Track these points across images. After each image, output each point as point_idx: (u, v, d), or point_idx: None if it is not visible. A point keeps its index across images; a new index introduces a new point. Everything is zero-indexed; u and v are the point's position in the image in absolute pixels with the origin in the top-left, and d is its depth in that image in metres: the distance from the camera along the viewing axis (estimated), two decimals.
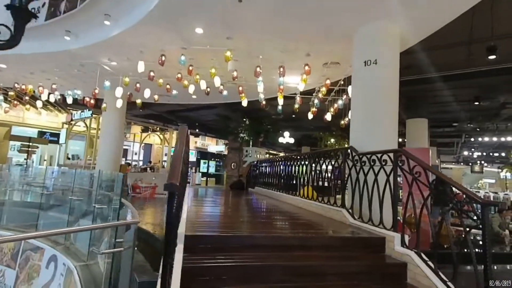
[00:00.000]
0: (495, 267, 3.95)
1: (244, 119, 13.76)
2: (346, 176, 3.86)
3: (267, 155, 14.88)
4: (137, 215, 2.82)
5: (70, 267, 3.50)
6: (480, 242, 2.16)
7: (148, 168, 13.01)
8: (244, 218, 3.89)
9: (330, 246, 2.83)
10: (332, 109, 7.59)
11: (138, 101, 8.17)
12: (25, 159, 12.40)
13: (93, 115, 11.63)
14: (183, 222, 2.78)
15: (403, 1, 3.97)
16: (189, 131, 3.47)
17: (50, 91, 7.79)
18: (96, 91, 6.73)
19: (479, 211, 2.18)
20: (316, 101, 7.31)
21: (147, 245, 3.60)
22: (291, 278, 2.36)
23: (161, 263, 1.44)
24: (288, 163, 6.07)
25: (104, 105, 7.53)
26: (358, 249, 2.87)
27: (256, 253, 2.55)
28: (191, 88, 7.31)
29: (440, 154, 21.54)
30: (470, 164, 23.99)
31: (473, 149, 20.48)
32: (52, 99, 8.40)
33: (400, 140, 13.57)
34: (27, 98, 9.07)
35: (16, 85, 8.02)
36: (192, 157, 22.21)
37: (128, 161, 16.51)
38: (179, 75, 6.50)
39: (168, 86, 7.22)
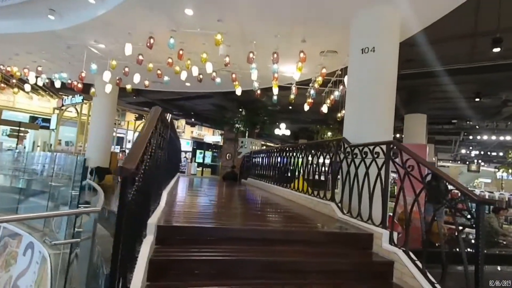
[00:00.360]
0: (498, 268, 3.81)
1: (240, 110, 13.51)
2: (337, 168, 3.69)
3: (263, 147, 14.70)
4: (102, 203, 2.62)
5: (45, 255, 3.34)
6: (477, 242, 1.99)
7: None
8: (229, 210, 3.72)
9: (314, 241, 2.66)
10: (328, 101, 7.37)
11: (128, 86, 7.90)
12: (16, 144, 12.16)
13: (84, 101, 11.33)
14: (159, 211, 2.61)
15: None
16: (170, 116, 3.26)
17: (36, 73, 7.50)
18: (83, 74, 6.46)
19: (473, 210, 2.02)
20: (312, 91, 7.08)
21: None
22: (269, 274, 2.19)
23: (111, 257, 1.26)
24: (280, 155, 5.88)
25: (92, 90, 7.27)
26: (344, 245, 2.71)
27: (234, 247, 2.38)
28: (183, 75, 7.05)
29: (437, 152, 21.45)
30: (467, 163, 23.94)
31: (471, 148, 20.37)
32: (40, 83, 8.12)
33: (398, 135, 13.40)
34: (14, 81, 8.78)
35: (1, 67, 7.73)
36: (188, 147, 22.03)
37: (123, 149, 16.30)
38: (170, 60, 6.23)
39: (159, 72, 6.96)
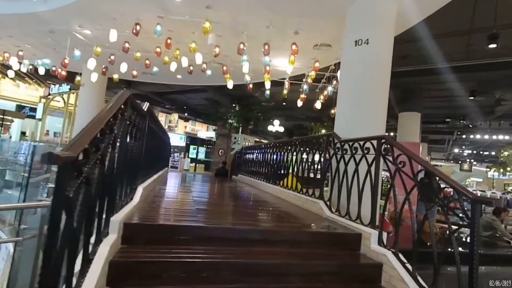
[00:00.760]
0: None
1: (234, 105, 13.28)
2: (327, 165, 3.52)
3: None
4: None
5: (10, 252, 3.10)
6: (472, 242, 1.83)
7: None
8: (211, 207, 3.53)
9: (298, 241, 2.48)
10: (322, 97, 7.19)
11: (115, 76, 7.60)
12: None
13: (72, 90, 10.95)
14: (130, 207, 2.40)
15: None
16: (147, 104, 3.04)
17: (18, 59, 7.15)
18: (66, 61, 6.15)
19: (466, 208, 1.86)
20: (305, 86, 6.88)
21: None
22: (245, 278, 2.01)
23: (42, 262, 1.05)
24: (270, 151, 5.70)
25: (78, 78, 6.96)
26: (330, 246, 2.54)
27: (211, 247, 2.19)
28: (173, 66, 6.79)
29: (431, 151, 21.54)
30: (459, 162, 24.14)
31: (463, 147, 20.49)
32: (23, 69, 7.76)
33: (392, 134, 13.34)
34: None
35: None
36: (182, 142, 21.72)
37: None
38: (158, 49, 5.97)
39: (147, 62, 6.68)
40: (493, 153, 19.98)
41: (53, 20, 5.75)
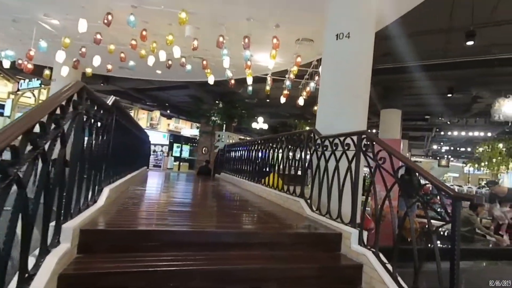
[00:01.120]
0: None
1: (217, 102, 13.03)
2: (307, 162, 3.41)
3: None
4: None
5: None
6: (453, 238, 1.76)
7: None
8: (186, 208, 3.33)
9: (277, 243, 2.35)
10: (304, 93, 7.11)
11: (88, 70, 7.17)
12: None
13: (43, 86, 10.29)
14: (92, 211, 2.17)
15: None
16: (113, 98, 2.79)
17: None
18: (32, 53, 5.70)
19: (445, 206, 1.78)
20: (287, 82, 6.77)
21: None
22: (219, 286, 1.85)
23: None
24: (252, 148, 5.54)
25: (47, 72, 6.49)
26: (310, 247, 2.42)
27: (180, 253, 2.01)
28: (150, 60, 6.48)
29: (411, 148, 22.19)
30: (438, 158, 25.02)
31: (442, 143, 21.23)
32: None
33: (374, 131, 13.56)
34: None
35: None
36: (165, 140, 21.15)
37: None
38: (134, 42, 5.65)
39: (122, 55, 6.33)
40: (469, 149, 20.83)
41: (16, 7, 5.29)
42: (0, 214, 1.02)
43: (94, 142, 2.23)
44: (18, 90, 11.14)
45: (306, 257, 2.28)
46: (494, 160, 15.10)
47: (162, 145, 20.03)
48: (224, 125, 13.49)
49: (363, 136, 2.51)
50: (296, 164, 3.74)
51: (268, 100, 11.78)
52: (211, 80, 6.89)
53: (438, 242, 2.25)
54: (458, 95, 8.87)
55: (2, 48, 6.92)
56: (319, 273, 2.14)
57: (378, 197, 2.40)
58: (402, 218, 2.08)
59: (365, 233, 2.35)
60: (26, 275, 1.30)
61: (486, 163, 15.67)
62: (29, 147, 1.20)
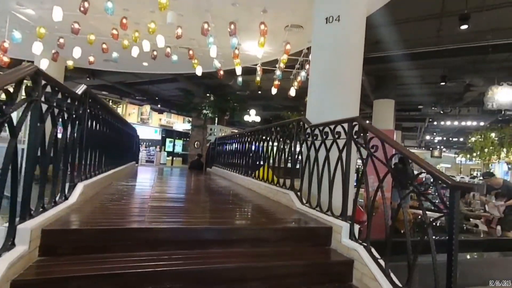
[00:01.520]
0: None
1: (208, 95, 12.75)
2: (296, 152, 3.25)
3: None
4: None
5: None
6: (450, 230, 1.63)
7: None
8: (169, 204, 3.14)
9: (262, 239, 2.19)
10: (295, 83, 6.92)
11: (70, 63, 6.84)
12: None
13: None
14: (60, 208, 1.98)
15: None
16: (84, 86, 2.57)
17: None
18: (6, 44, 5.36)
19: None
20: (278, 72, 6.56)
21: None
22: (193, 287, 1.69)
23: None
24: (241, 140, 5.36)
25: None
26: (298, 242, 2.27)
27: (155, 253, 1.84)
28: (134, 51, 6.20)
29: (404, 139, 22.25)
30: (430, 149, 25.22)
31: (434, 134, 21.33)
32: None
33: (367, 122, 13.49)
34: None
35: None
36: (157, 135, 20.80)
37: None
38: (115, 32, 5.35)
39: (104, 46, 6.03)
40: (461, 139, 20.98)
41: None
42: None
43: (62, 134, 2.02)
44: None
45: (293, 253, 2.13)
46: (486, 150, 15.20)
47: (152, 141, 19.72)
48: (216, 119, 13.25)
49: (354, 123, 2.35)
50: (286, 156, 3.58)
51: (260, 92, 11.55)
52: (198, 71, 6.64)
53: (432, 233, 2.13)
54: (451, 84, 8.78)
55: None
56: (306, 270, 2.00)
57: (370, 188, 2.26)
58: (395, 209, 1.94)
59: (356, 227, 2.21)
60: None
61: (478, 153, 15.77)
62: None
